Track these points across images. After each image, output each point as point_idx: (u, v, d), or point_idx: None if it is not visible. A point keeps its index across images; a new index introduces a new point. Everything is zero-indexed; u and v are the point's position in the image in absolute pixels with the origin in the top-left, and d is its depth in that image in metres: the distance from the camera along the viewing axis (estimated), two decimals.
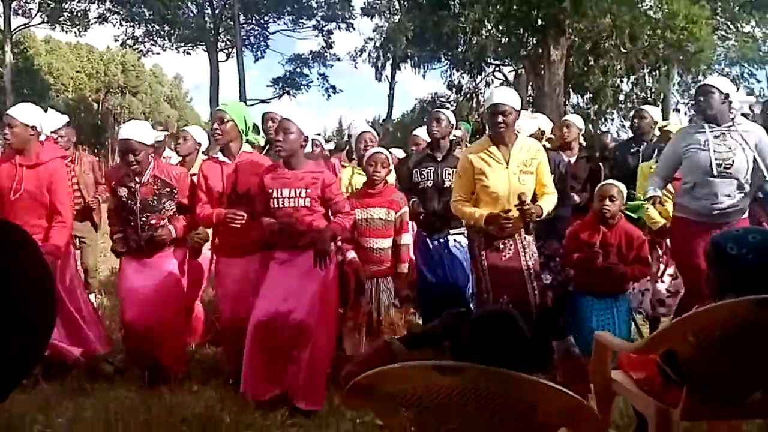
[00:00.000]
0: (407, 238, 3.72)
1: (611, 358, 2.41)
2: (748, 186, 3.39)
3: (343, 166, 4.66)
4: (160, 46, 24.99)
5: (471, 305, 3.83)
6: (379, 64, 22.71)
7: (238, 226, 3.26)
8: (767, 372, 1.96)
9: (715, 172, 3.32)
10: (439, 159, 3.97)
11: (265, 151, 4.13)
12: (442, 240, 3.90)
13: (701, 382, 1.91)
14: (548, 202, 3.44)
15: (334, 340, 3.47)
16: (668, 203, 3.94)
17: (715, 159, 3.31)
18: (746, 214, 3.45)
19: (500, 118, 3.32)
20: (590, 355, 2.48)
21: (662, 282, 4.16)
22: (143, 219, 3.43)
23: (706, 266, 2.05)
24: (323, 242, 3.10)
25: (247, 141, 3.52)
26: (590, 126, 18.55)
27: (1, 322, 0.74)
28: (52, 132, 5.27)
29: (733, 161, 3.32)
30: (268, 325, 3.14)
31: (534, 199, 3.44)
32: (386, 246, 3.62)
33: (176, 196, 3.51)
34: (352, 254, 3.60)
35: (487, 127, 3.55)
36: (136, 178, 3.42)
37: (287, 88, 26.19)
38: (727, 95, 3.37)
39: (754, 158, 3.36)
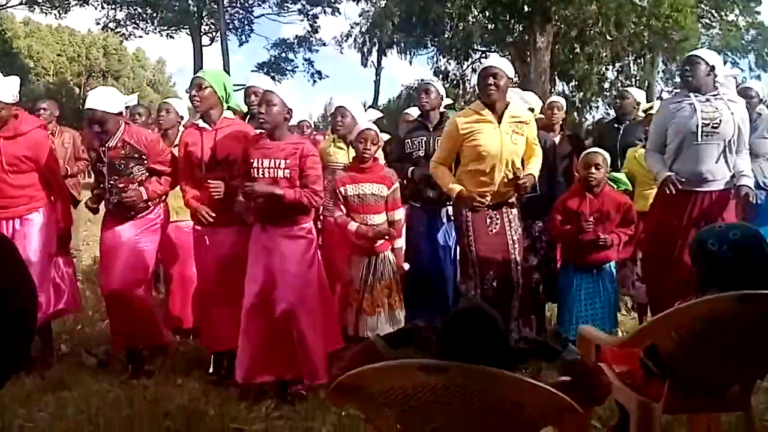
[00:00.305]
0: (400, 214, 3.68)
1: (595, 352, 2.43)
2: (733, 155, 3.36)
3: None
4: (142, 29, 24.68)
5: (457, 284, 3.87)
6: (365, 50, 22.53)
7: (220, 196, 3.22)
8: (746, 366, 2.00)
9: (701, 132, 3.30)
10: (430, 128, 3.99)
11: (246, 120, 4.10)
12: (435, 213, 3.93)
13: (682, 377, 1.94)
14: (536, 165, 3.53)
15: (336, 315, 3.46)
16: (650, 189, 3.95)
17: (702, 119, 3.30)
18: (729, 185, 3.39)
19: (491, 80, 3.34)
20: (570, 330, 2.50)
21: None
22: (111, 182, 3.40)
23: (690, 261, 2.07)
24: (262, 187, 3.08)
25: (229, 108, 3.46)
26: (575, 113, 18.65)
27: None
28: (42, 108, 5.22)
29: (720, 121, 3.30)
30: (258, 307, 3.14)
31: (522, 164, 3.50)
32: (380, 222, 3.57)
33: (146, 161, 3.44)
34: (354, 225, 3.54)
35: (479, 92, 3.53)
36: (105, 142, 3.37)
37: (272, 73, 25.88)
38: (713, 67, 3.38)
39: (738, 128, 3.36)
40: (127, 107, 3.71)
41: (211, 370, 3.50)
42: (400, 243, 3.69)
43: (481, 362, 1.38)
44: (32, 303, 0.82)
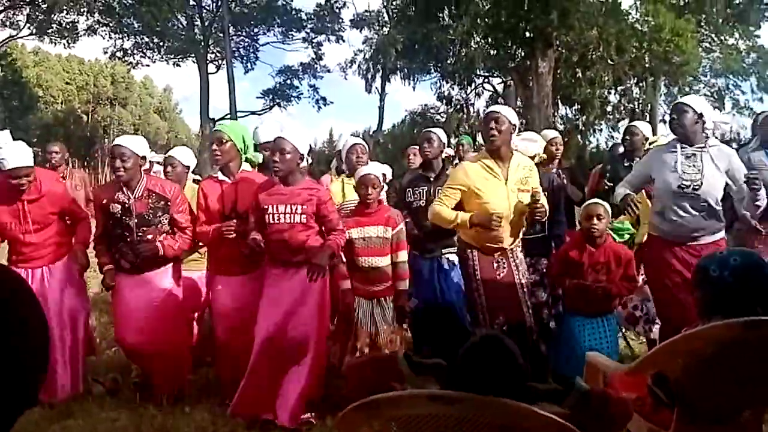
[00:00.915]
0: (404, 255, 3.65)
1: (602, 379, 2.43)
2: (720, 209, 3.37)
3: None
4: (149, 57, 24.97)
5: (466, 325, 3.83)
6: (369, 76, 22.79)
7: (233, 236, 3.26)
8: (755, 391, 1.99)
9: (682, 194, 3.32)
10: (431, 178, 3.98)
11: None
12: (435, 260, 3.89)
13: (691, 404, 1.94)
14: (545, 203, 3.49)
15: (325, 357, 3.45)
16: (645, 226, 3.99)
17: (684, 180, 3.31)
18: (719, 236, 3.41)
19: (492, 125, 3.33)
20: (581, 374, 2.50)
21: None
22: (140, 234, 3.38)
23: (694, 288, 2.08)
24: (321, 258, 3.06)
25: (246, 160, 3.51)
26: (579, 137, 18.75)
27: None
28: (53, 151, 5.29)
29: (701, 183, 3.30)
30: (270, 345, 3.15)
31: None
32: (385, 264, 3.55)
33: (170, 209, 3.46)
34: (347, 284, 3.54)
35: (483, 138, 3.54)
36: (130, 193, 3.37)
37: (278, 100, 26.22)
38: (701, 115, 3.37)
39: (726, 183, 3.35)
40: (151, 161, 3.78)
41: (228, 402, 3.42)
42: (404, 285, 3.64)
43: (497, 393, 1.39)
44: (46, 339, 0.84)
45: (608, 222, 3.67)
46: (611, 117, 18.78)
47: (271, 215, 3.18)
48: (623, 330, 4.22)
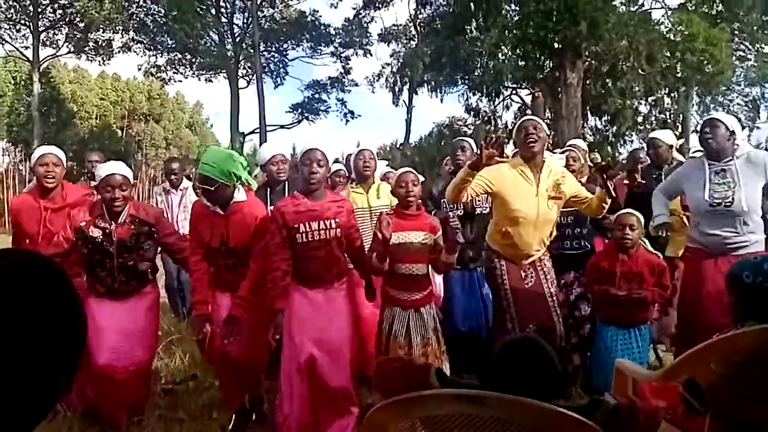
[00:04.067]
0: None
1: (632, 387, 2.39)
2: (758, 220, 3.33)
3: None
4: (182, 74, 25.52)
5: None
6: (397, 89, 22.95)
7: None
8: None
9: (714, 212, 3.31)
10: None
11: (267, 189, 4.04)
12: (473, 272, 3.90)
13: (724, 410, 1.89)
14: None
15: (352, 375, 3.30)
16: (682, 235, 3.94)
17: (715, 199, 3.30)
18: (761, 247, 3.36)
19: (531, 130, 3.33)
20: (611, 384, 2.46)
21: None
22: (120, 260, 3.25)
23: (728, 294, 2.04)
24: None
25: (242, 184, 3.22)
26: (609, 148, 18.50)
27: (34, 355, 0.76)
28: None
29: (732, 199, 3.27)
30: (303, 371, 3.04)
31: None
32: (424, 272, 3.29)
33: (156, 235, 3.34)
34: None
35: (518, 147, 3.52)
36: (111, 221, 3.25)
37: (306, 114, 26.51)
38: (732, 132, 3.35)
39: (765, 186, 3.31)
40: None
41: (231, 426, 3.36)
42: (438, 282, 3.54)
43: (532, 395, 1.38)
44: (83, 338, 0.85)
45: (641, 232, 3.62)
46: (642, 128, 18.49)
47: (303, 234, 3.04)
48: (654, 343, 4.14)
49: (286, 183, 3.98)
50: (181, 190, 5.44)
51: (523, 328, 3.29)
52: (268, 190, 3.96)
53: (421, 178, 4.61)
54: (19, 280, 0.76)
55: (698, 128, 3.57)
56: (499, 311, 3.47)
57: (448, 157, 5.06)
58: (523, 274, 3.41)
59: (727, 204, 3.28)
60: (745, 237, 3.31)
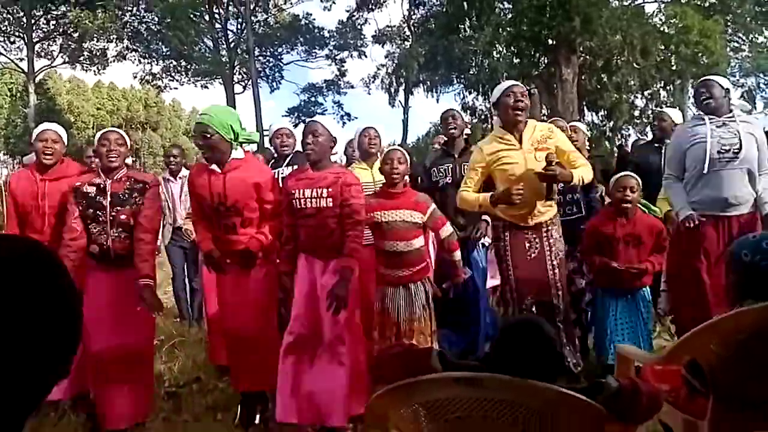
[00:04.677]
0: (448, 229, 3.46)
1: (634, 372, 2.39)
2: (756, 177, 3.32)
3: None
4: (177, 81, 25.54)
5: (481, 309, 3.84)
6: (392, 90, 23.05)
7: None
8: None
9: (721, 159, 3.28)
10: (455, 156, 4.00)
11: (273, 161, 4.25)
12: (467, 240, 3.88)
13: (727, 391, 1.89)
14: (582, 171, 3.35)
15: (364, 350, 3.30)
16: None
17: (723, 145, 3.27)
18: (753, 208, 3.36)
19: (519, 96, 3.31)
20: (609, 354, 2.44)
21: None
22: (113, 214, 3.16)
23: (725, 273, 2.04)
24: (340, 288, 2.94)
25: (240, 144, 3.20)
26: (607, 143, 18.51)
27: (28, 340, 0.75)
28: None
29: (740, 146, 3.27)
30: (297, 347, 3.09)
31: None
32: (409, 249, 3.34)
33: (146, 192, 3.22)
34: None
35: (500, 118, 3.49)
36: (107, 177, 3.19)
37: (303, 117, 26.46)
38: (727, 90, 3.41)
39: (758, 150, 3.33)
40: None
41: (237, 420, 3.34)
42: (458, 255, 3.47)
43: (533, 375, 1.38)
44: (80, 317, 0.84)
45: (640, 195, 3.64)
46: (639, 122, 18.51)
47: (298, 200, 3.09)
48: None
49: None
50: (180, 178, 5.40)
51: (522, 300, 3.32)
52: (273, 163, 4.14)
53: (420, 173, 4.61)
54: (12, 267, 0.76)
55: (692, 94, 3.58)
56: (502, 281, 3.53)
57: (438, 137, 5.08)
58: (528, 245, 3.38)
59: (736, 150, 3.27)
60: (746, 191, 3.30)
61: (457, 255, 3.47)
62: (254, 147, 4.19)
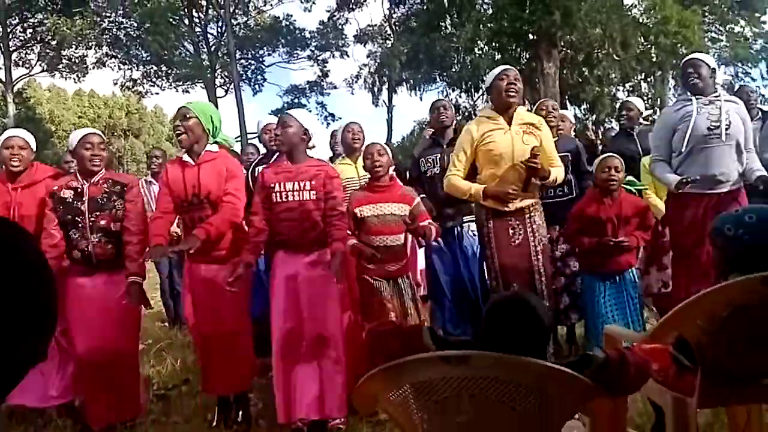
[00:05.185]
0: (417, 204, 3.45)
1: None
2: (743, 154, 3.37)
3: None
4: (158, 86, 25.34)
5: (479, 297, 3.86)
6: (375, 89, 23.06)
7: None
8: None
9: (711, 135, 3.32)
10: (444, 145, 4.02)
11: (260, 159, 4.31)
12: (456, 229, 3.91)
13: (713, 366, 1.89)
14: (557, 171, 3.44)
15: (360, 337, 3.27)
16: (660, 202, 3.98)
17: (712, 122, 3.31)
18: (739, 184, 3.41)
19: (513, 80, 3.34)
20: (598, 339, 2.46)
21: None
22: (92, 219, 3.13)
23: (711, 248, 2.05)
24: (333, 266, 2.93)
25: (216, 142, 3.23)
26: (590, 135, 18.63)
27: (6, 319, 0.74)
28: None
29: (729, 122, 3.31)
30: (287, 346, 3.06)
31: None
32: (399, 243, 3.38)
33: (126, 194, 3.21)
34: (351, 241, 3.27)
35: (492, 102, 3.52)
36: (85, 181, 3.18)
37: None
38: (713, 69, 3.45)
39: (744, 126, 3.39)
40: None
41: (214, 423, 3.30)
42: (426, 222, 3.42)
43: (522, 351, 1.37)
44: (53, 298, 0.82)
45: (624, 175, 3.66)
46: None
47: (278, 193, 3.07)
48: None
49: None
50: None
51: (507, 286, 3.34)
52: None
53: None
54: None
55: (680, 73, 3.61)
56: (487, 269, 3.57)
57: (426, 130, 5.08)
58: (511, 232, 3.39)
59: (726, 126, 3.30)
60: (733, 167, 3.34)
61: (425, 222, 3.42)
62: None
